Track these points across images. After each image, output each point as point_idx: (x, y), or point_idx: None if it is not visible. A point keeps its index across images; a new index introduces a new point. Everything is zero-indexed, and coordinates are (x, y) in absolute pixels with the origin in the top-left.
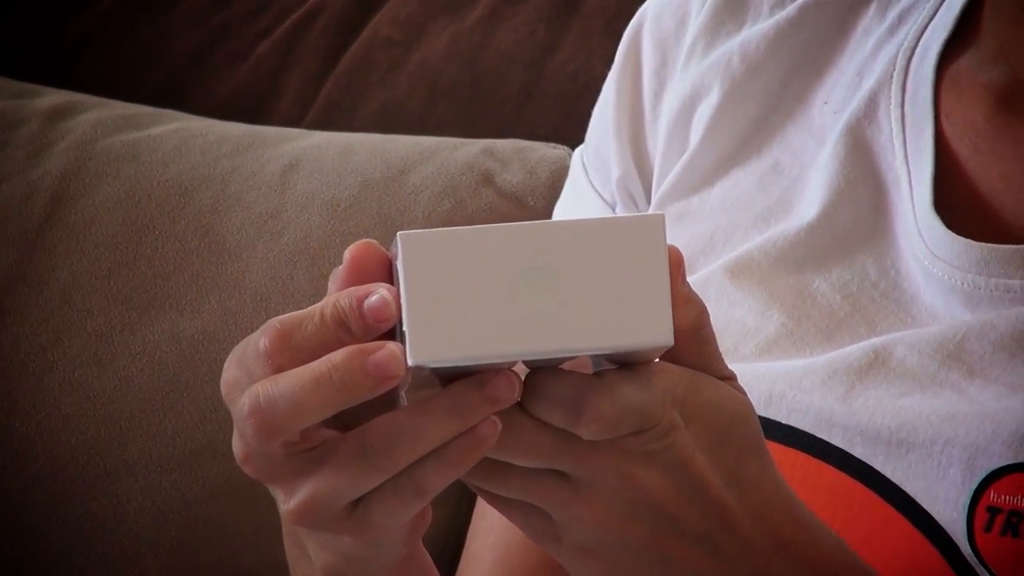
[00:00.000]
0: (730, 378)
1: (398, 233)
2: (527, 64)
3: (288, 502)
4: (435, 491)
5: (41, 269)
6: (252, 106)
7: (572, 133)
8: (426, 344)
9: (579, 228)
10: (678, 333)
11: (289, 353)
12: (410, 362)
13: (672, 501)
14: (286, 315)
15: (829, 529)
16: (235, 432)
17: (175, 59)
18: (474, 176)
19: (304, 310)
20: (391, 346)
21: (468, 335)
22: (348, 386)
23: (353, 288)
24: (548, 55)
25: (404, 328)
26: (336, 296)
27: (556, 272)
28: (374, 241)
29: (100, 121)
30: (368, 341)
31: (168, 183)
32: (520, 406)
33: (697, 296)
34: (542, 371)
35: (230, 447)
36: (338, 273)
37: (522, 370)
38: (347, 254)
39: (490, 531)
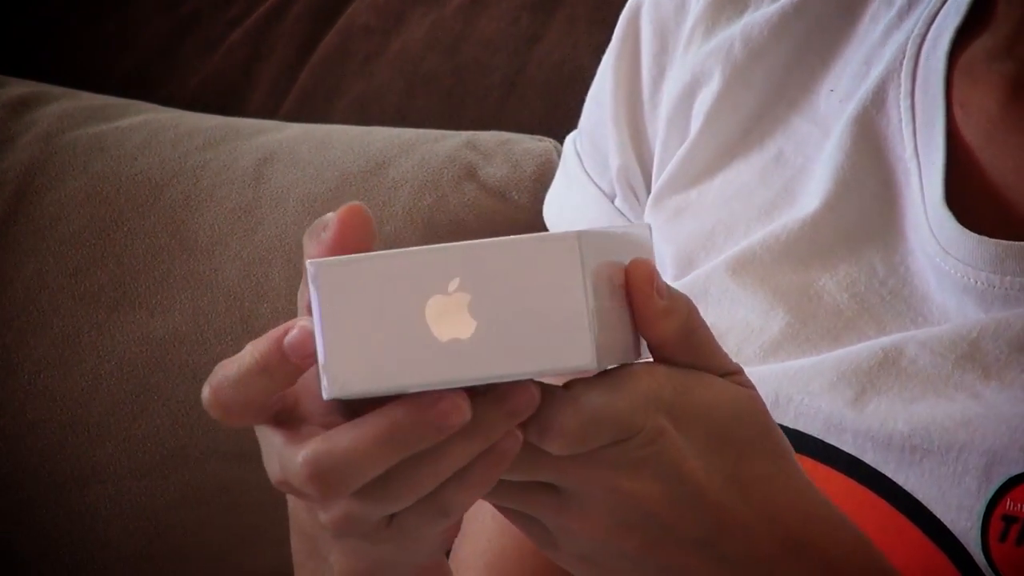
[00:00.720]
0: (734, 372)
1: (308, 261)
2: (510, 53)
3: (323, 515)
4: (463, 509)
5: (4, 267)
6: (224, 97)
7: (558, 125)
8: (341, 376)
9: (492, 249)
10: (664, 344)
11: (225, 417)
12: (325, 396)
13: (665, 509)
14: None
15: (854, 527)
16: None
17: (144, 48)
18: (456, 170)
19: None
20: (302, 322)
21: (384, 366)
22: (264, 369)
23: (271, 331)
24: (532, 44)
25: (320, 360)
26: (252, 344)
27: (471, 296)
28: (364, 205)
29: (66, 113)
30: (292, 380)
31: (137, 177)
32: None
33: (680, 301)
34: (509, 385)
35: (202, 452)
36: (320, 232)
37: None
38: (336, 216)
39: (481, 535)
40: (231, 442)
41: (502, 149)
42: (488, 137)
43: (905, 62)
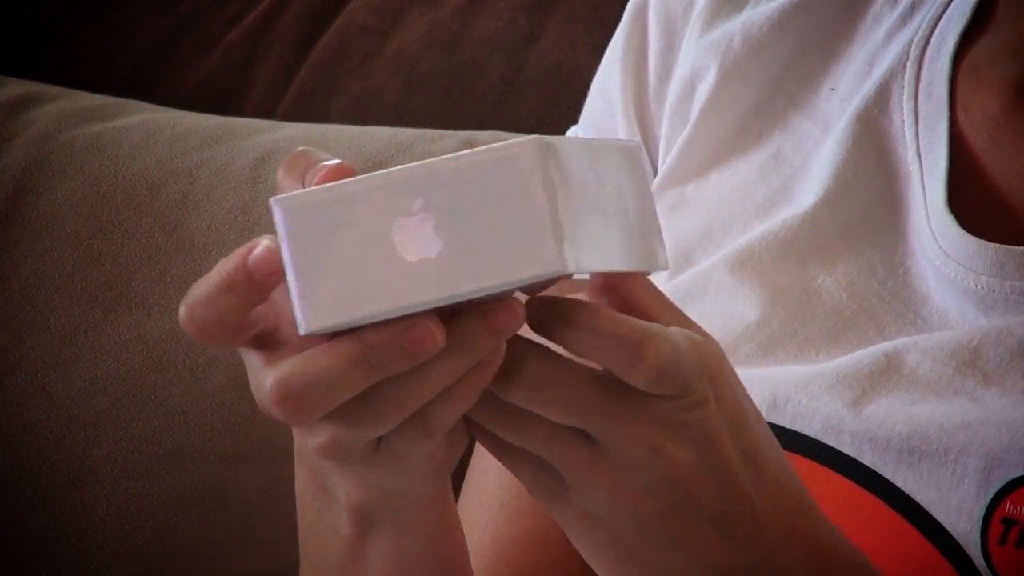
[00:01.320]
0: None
1: (271, 199)
2: (508, 53)
3: (311, 440)
4: (448, 425)
5: (2, 267)
6: (221, 97)
7: (555, 125)
8: (316, 310)
9: (450, 165)
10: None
11: (200, 335)
12: (302, 331)
13: (693, 478)
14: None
15: (829, 521)
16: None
17: (141, 48)
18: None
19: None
20: (266, 241)
21: (356, 295)
22: (230, 287)
23: (238, 249)
24: (530, 44)
25: (293, 298)
26: (221, 262)
27: (435, 215)
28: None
29: (63, 112)
30: (259, 298)
31: (134, 177)
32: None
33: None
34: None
35: (200, 452)
36: (303, 169)
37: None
38: (331, 169)
39: (488, 523)
40: (227, 442)
41: None
42: (486, 137)
43: (909, 64)
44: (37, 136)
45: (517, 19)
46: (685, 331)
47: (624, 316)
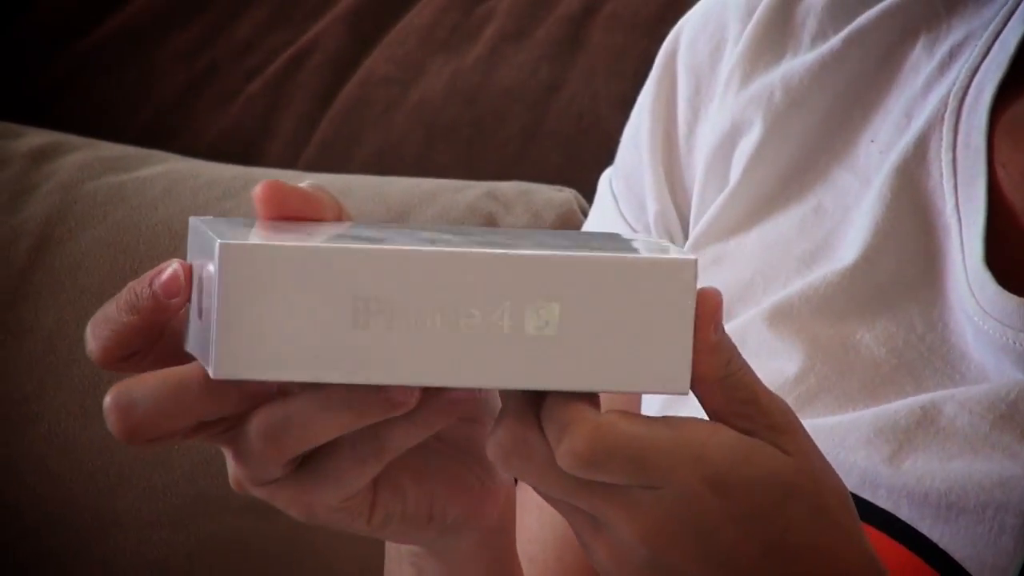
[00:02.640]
0: (780, 430)
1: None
2: (530, 103)
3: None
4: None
5: (24, 316)
6: (243, 147)
7: (577, 175)
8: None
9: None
10: (703, 380)
11: (100, 353)
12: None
13: (694, 566)
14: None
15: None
16: None
17: (163, 98)
18: (477, 219)
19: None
20: (175, 264)
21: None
22: (133, 307)
23: (148, 272)
24: (551, 94)
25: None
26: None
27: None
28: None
29: (86, 163)
30: (161, 320)
31: (157, 227)
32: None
33: (728, 340)
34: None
35: (222, 502)
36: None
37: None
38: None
39: (544, 526)
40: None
41: (522, 199)
42: (508, 187)
43: (947, 115)
44: (60, 186)
45: (539, 69)
46: (665, 419)
47: (575, 399)
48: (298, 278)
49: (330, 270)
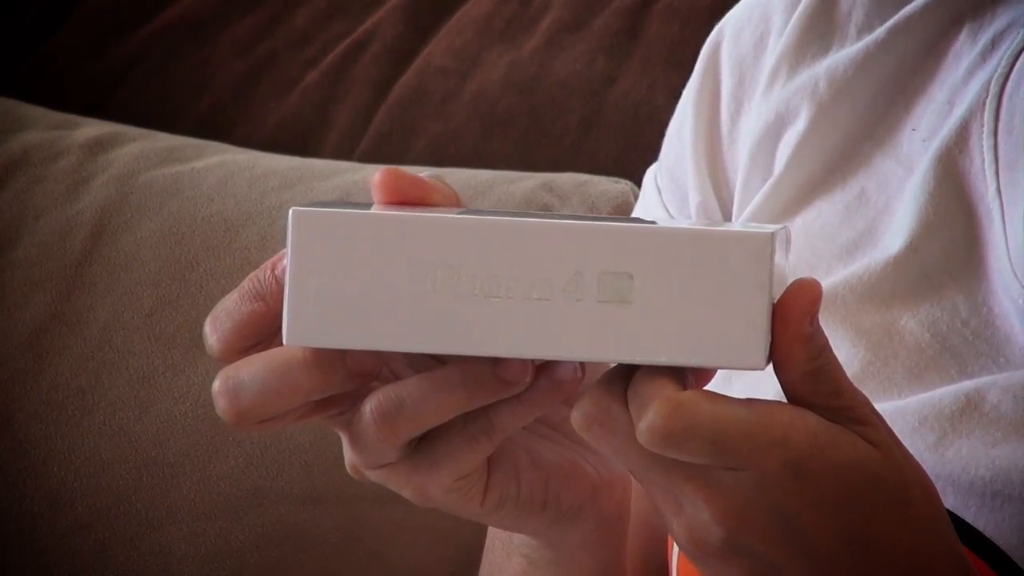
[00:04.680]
0: (863, 422)
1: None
2: (587, 95)
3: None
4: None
5: (80, 308)
6: (300, 138)
7: (634, 166)
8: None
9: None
10: (791, 370)
11: (220, 346)
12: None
13: (772, 548)
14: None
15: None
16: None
17: (220, 89)
18: (533, 211)
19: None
20: None
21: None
22: (258, 294)
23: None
24: (608, 85)
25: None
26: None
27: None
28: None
29: (142, 153)
30: (281, 306)
31: (213, 218)
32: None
33: (822, 333)
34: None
35: (278, 494)
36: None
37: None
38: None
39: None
40: (305, 484)
41: (579, 191)
42: (565, 179)
43: (988, 101)
44: (116, 177)
45: (596, 60)
46: (748, 401)
47: (661, 374)
48: (371, 246)
49: (401, 239)
